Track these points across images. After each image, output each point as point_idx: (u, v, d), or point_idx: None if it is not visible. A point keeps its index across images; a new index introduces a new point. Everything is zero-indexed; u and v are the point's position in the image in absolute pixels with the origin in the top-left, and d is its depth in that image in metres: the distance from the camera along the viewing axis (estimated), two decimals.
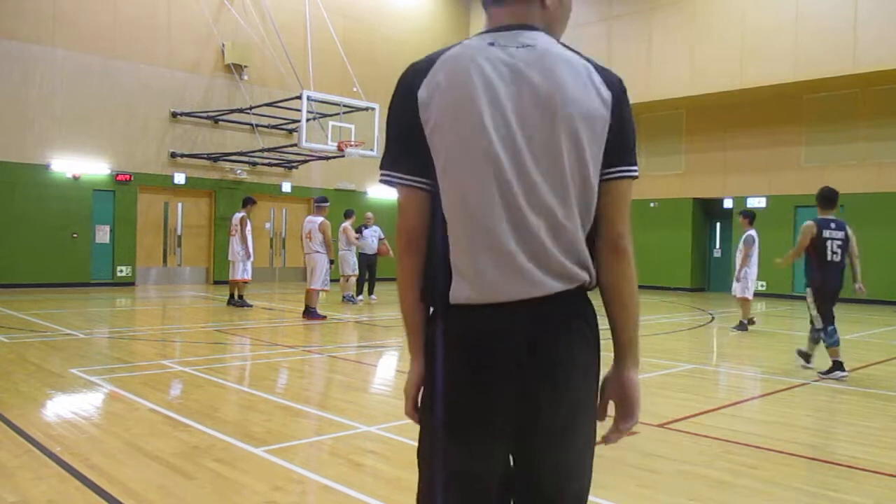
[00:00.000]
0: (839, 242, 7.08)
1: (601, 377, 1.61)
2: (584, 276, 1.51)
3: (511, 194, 1.45)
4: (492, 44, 1.51)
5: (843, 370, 6.91)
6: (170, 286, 17.54)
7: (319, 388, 6.39)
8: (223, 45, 18.34)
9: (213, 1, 18.19)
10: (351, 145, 15.94)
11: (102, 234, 16.89)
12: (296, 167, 19.69)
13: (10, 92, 15.43)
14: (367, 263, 14.21)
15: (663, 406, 5.63)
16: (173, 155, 17.76)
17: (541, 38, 1.53)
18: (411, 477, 3.70)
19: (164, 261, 18.24)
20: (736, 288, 10.87)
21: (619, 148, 1.52)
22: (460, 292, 1.48)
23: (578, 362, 1.51)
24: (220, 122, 18.50)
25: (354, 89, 17.56)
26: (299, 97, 15.13)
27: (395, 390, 6.14)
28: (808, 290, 7.20)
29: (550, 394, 1.48)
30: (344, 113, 16.05)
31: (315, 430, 4.79)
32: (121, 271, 17.13)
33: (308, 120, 15.30)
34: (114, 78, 16.77)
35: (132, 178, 17.13)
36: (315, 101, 15.64)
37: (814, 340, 7.38)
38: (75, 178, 16.32)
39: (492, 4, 1.59)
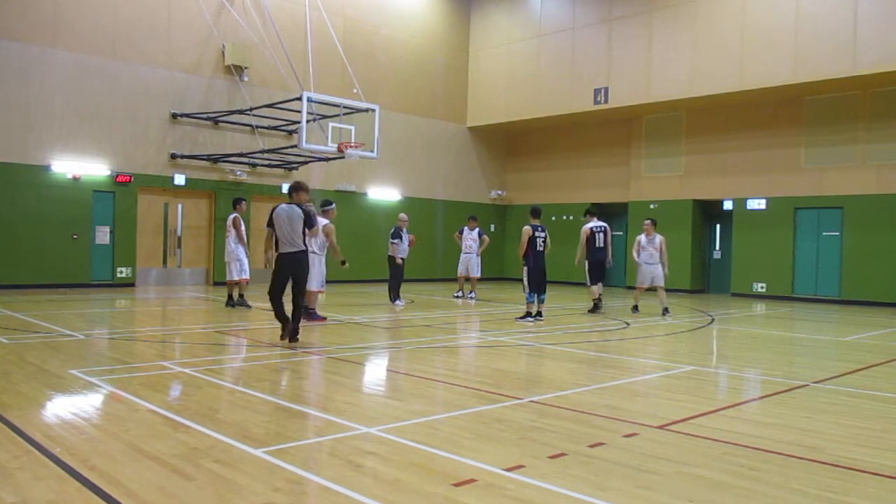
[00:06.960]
0: (543, 238, 11.53)
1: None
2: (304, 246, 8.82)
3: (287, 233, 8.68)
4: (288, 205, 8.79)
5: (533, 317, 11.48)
6: (169, 287, 17.54)
7: (319, 389, 6.39)
8: (223, 46, 18.34)
9: (214, 2, 18.20)
10: (351, 146, 15.93)
11: (102, 235, 16.89)
12: (296, 168, 19.69)
13: (10, 93, 15.44)
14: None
15: (663, 407, 5.63)
16: (173, 156, 17.76)
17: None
18: (411, 478, 3.73)
19: (164, 262, 18.24)
20: None
21: (308, 223, 8.73)
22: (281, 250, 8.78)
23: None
24: (221, 124, 18.51)
25: (354, 90, 17.59)
26: (299, 98, 15.15)
27: (396, 391, 6.14)
28: (524, 269, 11.53)
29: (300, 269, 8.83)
30: (344, 114, 16.05)
31: (314, 431, 4.79)
32: (121, 272, 17.14)
33: (308, 121, 15.30)
34: (114, 79, 16.79)
35: (132, 179, 17.14)
36: (315, 102, 15.65)
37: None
38: (75, 179, 16.33)
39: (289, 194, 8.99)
